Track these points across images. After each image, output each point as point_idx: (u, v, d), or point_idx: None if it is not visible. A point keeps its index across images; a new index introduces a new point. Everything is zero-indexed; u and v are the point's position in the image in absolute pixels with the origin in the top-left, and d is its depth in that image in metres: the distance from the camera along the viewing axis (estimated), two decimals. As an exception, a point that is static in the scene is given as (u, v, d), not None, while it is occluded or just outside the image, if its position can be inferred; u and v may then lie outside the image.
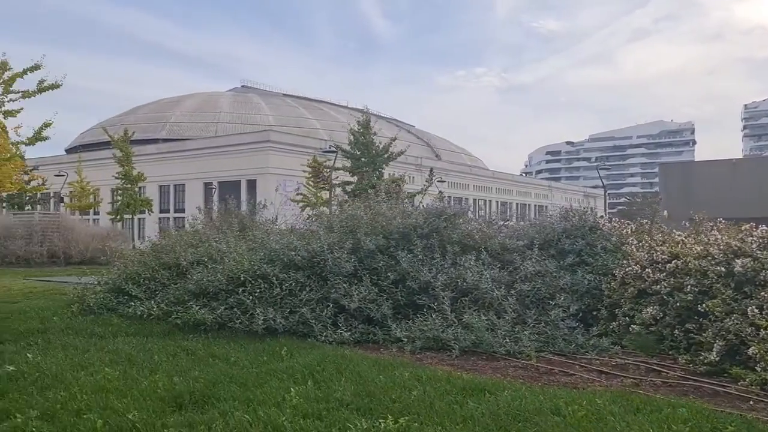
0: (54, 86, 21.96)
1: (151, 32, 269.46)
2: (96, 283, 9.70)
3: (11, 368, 5.59)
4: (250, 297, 7.54)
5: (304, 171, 37.92)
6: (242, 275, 7.85)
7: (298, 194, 37.93)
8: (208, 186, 54.62)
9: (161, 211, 56.42)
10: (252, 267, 7.99)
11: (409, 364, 5.98)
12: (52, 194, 48.69)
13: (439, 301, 7.44)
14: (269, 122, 69.64)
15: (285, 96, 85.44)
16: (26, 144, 22.34)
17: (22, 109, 22.04)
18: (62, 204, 45.90)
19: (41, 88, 21.83)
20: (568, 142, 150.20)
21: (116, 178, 35.51)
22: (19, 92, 21.89)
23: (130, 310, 8.15)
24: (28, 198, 40.49)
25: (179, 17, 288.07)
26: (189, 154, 56.84)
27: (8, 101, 21.74)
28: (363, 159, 28.89)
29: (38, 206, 43.98)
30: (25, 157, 23.76)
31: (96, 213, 53.71)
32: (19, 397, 4.81)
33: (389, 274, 7.91)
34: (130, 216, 36.45)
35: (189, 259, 8.89)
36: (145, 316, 7.99)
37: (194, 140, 60.57)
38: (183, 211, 57.05)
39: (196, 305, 7.62)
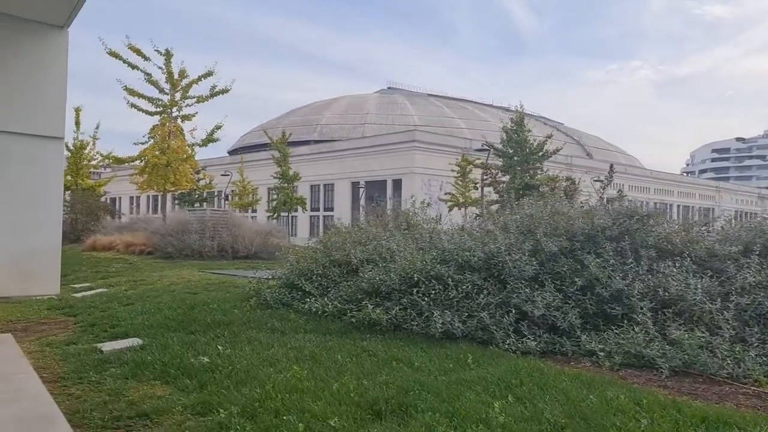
0: (224, 91, 23.54)
1: (304, 40, 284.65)
2: (269, 277, 9.95)
3: (206, 360, 5.71)
4: (425, 298, 7.21)
5: (452, 170, 37.59)
6: (415, 275, 7.56)
7: (446, 193, 37.66)
8: (355, 185, 56.20)
9: (312, 210, 59.05)
10: (425, 267, 7.67)
11: (614, 383, 5.28)
12: (215, 192, 52.84)
13: (635, 311, 6.61)
14: (414, 122, 70.30)
15: (429, 96, 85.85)
16: (200, 145, 24.24)
17: (196, 113, 23.93)
18: (226, 202, 49.60)
19: (213, 93, 23.50)
20: (738, 139, 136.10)
21: (274, 177, 37.48)
22: (194, 97, 23.78)
23: (305, 306, 8.19)
24: (196, 196, 44.16)
25: (329, 25, 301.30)
26: (338, 154, 58.84)
27: (185, 106, 23.71)
28: (515, 157, 27.89)
29: (205, 204, 47.92)
30: (196, 158, 25.71)
31: (254, 210, 57.49)
32: (217, 390, 4.83)
33: (575, 279, 7.19)
34: (286, 213, 38.30)
35: (359, 257, 8.78)
36: (319, 312, 7.98)
37: (343, 141, 62.63)
38: (332, 209, 59.32)
39: (370, 304, 7.44)
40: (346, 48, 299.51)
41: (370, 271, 8.14)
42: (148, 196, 72.21)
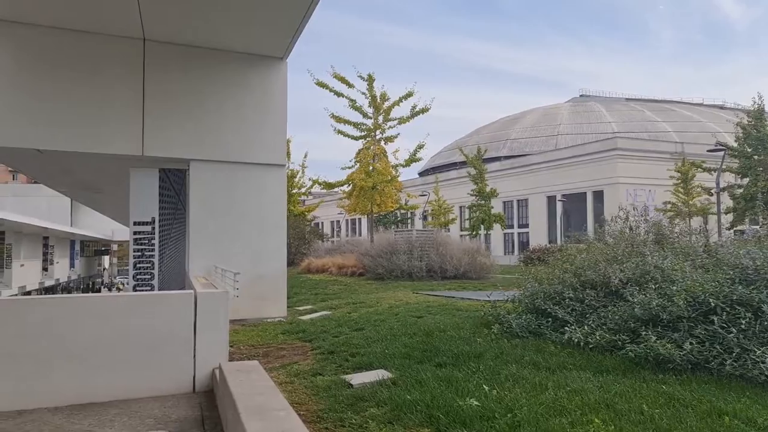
0: (424, 110, 23.36)
1: (483, 57, 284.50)
2: (506, 300, 8.95)
3: (475, 403, 4.82)
4: (732, 330, 5.65)
5: (670, 176, 33.72)
6: (711, 300, 6.01)
7: (665, 203, 33.88)
8: (551, 200, 53.47)
9: (501, 227, 57.39)
10: (720, 289, 6.09)
11: None
12: (408, 214, 53.66)
13: None
14: (612, 129, 65.52)
15: (627, 100, 79.76)
16: (403, 166, 24.30)
17: (398, 134, 24.06)
18: (424, 222, 50.08)
19: (414, 113, 23.44)
20: None
21: (470, 195, 36.76)
22: (396, 119, 23.95)
23: (563, 336, 7.03)
24: (393, 217, 45.11)
25: (510, 41, 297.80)
26: (530, 168, 56.64)
27: (388, 128, 23.96)
28: (756, 156, 23.95)
29: (400, 224, 48.78)
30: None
31: (447, 229, 57.45)
32: (506, 447, 3.90)
33: None
34: (484, 231, 37.30)
35: (619, 277, 7.40)
36: (581, 344, 6.76)
37: (535, 155, 60.26)
38: (526, 225, 57.10)
39: (653, 335, 6.05)
40: (529, 61, 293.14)
41: (640, 294, 6.74)
42: (347, 220, 76.13)
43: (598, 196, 48.92)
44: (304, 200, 51.47)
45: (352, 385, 5.89)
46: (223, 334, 7.13)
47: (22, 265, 39.60)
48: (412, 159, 24.30)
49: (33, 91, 11.48)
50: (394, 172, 24.07)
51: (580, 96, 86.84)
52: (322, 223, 79.75)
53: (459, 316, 10.29)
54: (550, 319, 7.61)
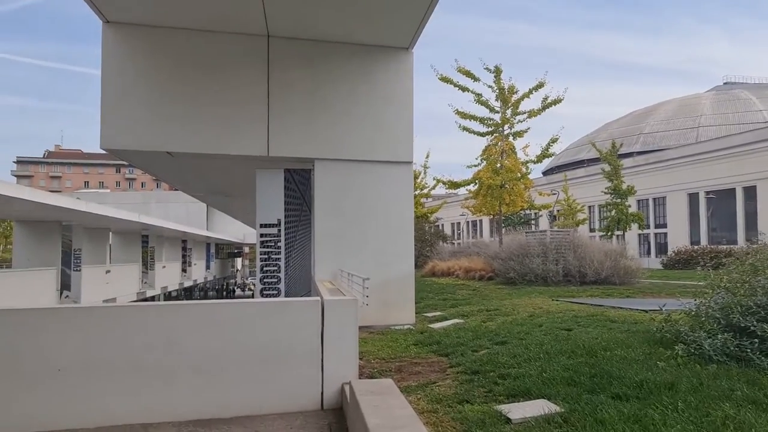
0: (556, 101, 21.65)
1: (609, 50, 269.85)
2: (680, 311, 7.41)
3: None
4: None
5: None
6: None
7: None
8: (693, 197, 48.74)
9: (639, 227, 53.12)
10: None
11: None
12: (533, 214, 51.17)
13: None
14: (764, 118, 58.80)
15: (781, 85, 71.46)
16: (534, 162, 22.71)
17: (528, 129, 22.51)
18: (552, 222, 47.54)
19: (545, 105, 21.80)
20: None
21: (605, 192, 34.09)
22: (525, 113, 22.42)
23: (780, 363, 5.49)
24: (518, 218, 43.10)
25: (637, 32, 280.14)
26: (668, 164, 52.00)
27: (517, 122, 22.49)
28: None
29: (526, 225, 46.58)
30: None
31: (575, 231, 54.15)
32: None
33: None
34: (621, 232, 34.45)
35: None
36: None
37: (673, 149, 55.35)
38: (664, 225, 52.54)
39: None
40: (659, 52, 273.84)
41: None
42: (468, 222, 74.55)
43: (750, 192, 43.85)
44: (426, 202, 50.78)
45: (510, 419, 4.80)
46: (352, 345, 6.39)
47: (164, 267, 42.25)
48: (545, 154, 22.62)
49: (165, 94, 11.51)
50: (524, 169, 22.57)
51: (725, 84, 79.08)
52: (443, 224, 78.81)
53: (618, 329, 8.83)
54: (756, 340, 6.02)
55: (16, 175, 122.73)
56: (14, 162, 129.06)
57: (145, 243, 37.87)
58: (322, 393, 6.18)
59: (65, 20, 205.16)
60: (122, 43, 11.34)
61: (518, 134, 22.38)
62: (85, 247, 27.92)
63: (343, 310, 6.43)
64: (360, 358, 7.45)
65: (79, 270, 25.99)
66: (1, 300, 20.02)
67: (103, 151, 11.76)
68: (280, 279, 12.39)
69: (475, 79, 21.78)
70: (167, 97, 11.53)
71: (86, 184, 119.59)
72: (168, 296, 46.83)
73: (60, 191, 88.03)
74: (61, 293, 25.19)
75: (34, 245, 25.42)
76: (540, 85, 21.77)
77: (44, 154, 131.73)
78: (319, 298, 6.64)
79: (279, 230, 12.38)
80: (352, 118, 12.24)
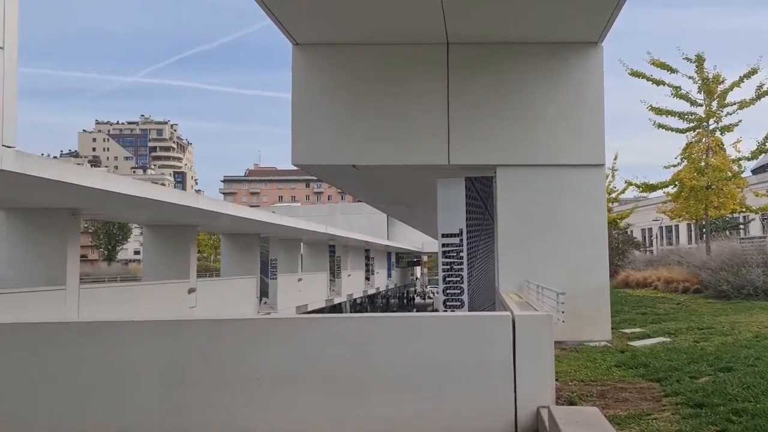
0: (775, 88, 18.78)
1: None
2: None
3: None
4: None
5: None
6: None
7: None
8: None
9: None
10: None
11: None
12: (741, 217, 45.16)
13: None
14: None
15: None
16: (748, 159, 19.93)
17: (739, 121, 19.80)
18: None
19: (760, 94, 19.03)
20: None
21: None
22: (734, 104, 19.79)
23: None
24: (725, 222, 38.30)
25: None
26: None
27: (724, 115, 19.92)
28: None
29: (734, 231, 41.25)
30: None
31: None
32: None
33: None
34: None
35: None
36: None
37: None
38: None
39: None
40: None
41: None
42: (661, 227, 68.26)
43: None
44: (614, 206, 47.41)
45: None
46: (547, 366, 5.82)
47: (349, 275, 44.29)
48: (761, 149, 19.69)
49: (348, 109, 11.86)
50: (735, 168, 19.84)
51: None
52: (632, 231, 72.99)
53: None
54: None
55: (223, 193, 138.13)
56: (221, 181, 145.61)
57: (332, 252, 39.97)
58: (515, 416, 5.69)
59: (260, 51, 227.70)
60: (309, 63, 11.89)
61: (727, 128, 19.74)
62: (280, 256, 30.13)
63: (537, 327, 5.91)
64: (555, 379, 6.83)
65: (275, 278, 28.07)
66: (214, 303, 22.30)
67: (295, 167, 12.42)
68: (463, 290, 12.06)
69: (672, 71, 19.60)
70: (350, 111, 11.85)
71: (280, 199, 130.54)
72: (353, 303, 49.05)
73: (258, 206, 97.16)
74: (260, 299, 27.43)
75: (237, 256, 28.02)
76: (753, 72, 18.97)
77: (245, 173, 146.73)
78: (508, 312, 6.20)
79: (461, 240, 12.07)
80: (537, 121, 11.57)
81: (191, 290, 21.16)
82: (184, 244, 22.10)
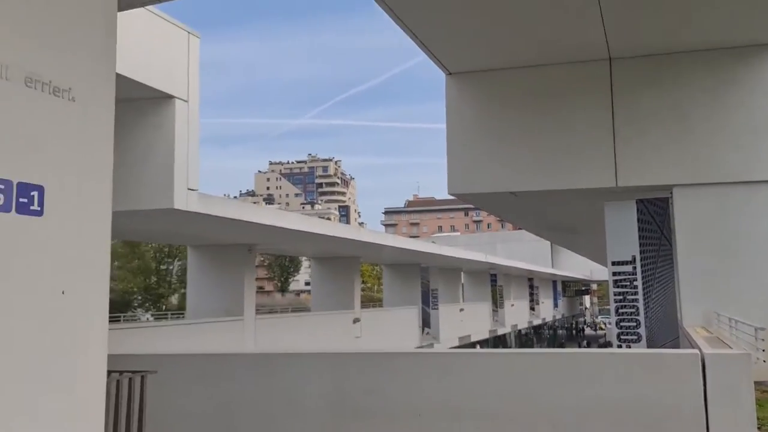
0: None
1: None
2: None
3: None
4: None
5: None
6: None
7: None
8: None
9: None
10: None
11: None
12: None
13: None
14: None
15: None
16: None
17: None
18: None
19: None
20: None
21: None
22: None
23: None
24: None
25: None
26: None
27: None
28: None
29: None
30: None
31: None
32: None
33: None
34: None
35: None
36: None
37: None
38: None
39: None
40: None
41: None
42: None
43: None
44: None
45: None
46: (746, 413, 5.06)
47: (512, 305, 43.14)
48: None
49: (504, 134, 11.59)
50: None
51: None
52: None
53: None
54: None
55: (384, 224, 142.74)
56: (382, 213, 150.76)
57: (494, 282, 39.25)
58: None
59: (416, 85, 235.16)
60: (462, 91, 11.86)
61: None
62: (441, 286, 30.17)
63: (732, 367, 5.20)
64: (758, 427, 5.90)
65: (437, 308, 28.10)
66: (378, 332, 22.81)
67: (452, 197, 12.37)
68: (639, 323, 11.06)
69: None
70: (506, 137, 11.57)
71: (439, 229, 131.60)
72: (518, 334, 47.54)
73: (418, 236, 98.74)
74: (422, 329, 27.57)
75: (398, 286, 28.54)
76: None
77: (405, 204, 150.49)
78: (696, 350, 5.50)
79: (634, 268, 11.12)
80: (716, 133, 10.42)
81: (356, 320, 21.85)
82: (349, 275, 22.97)
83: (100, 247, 3.18)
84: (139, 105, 9.92)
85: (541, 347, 55.36)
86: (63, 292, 2.91)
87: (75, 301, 3.00)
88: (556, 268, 58.19)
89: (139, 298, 52.38)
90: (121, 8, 3.66)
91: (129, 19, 7.95)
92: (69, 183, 3.00)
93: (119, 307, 43.03)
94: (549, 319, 59.15)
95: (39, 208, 2.79)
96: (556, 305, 62.42)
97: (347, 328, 21.31)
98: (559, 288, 65.13)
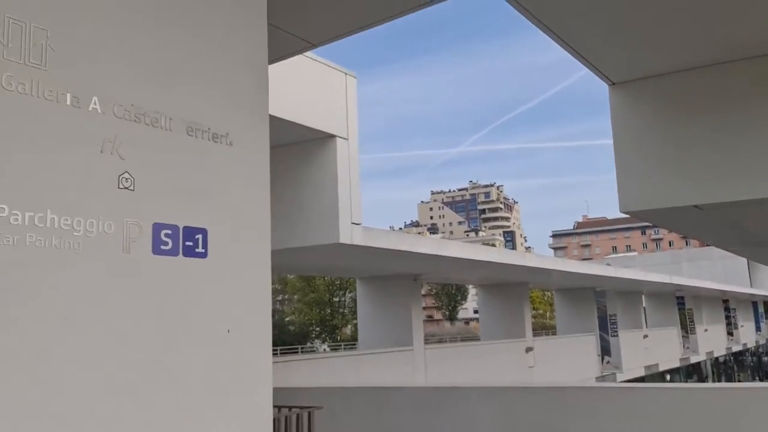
0: None
1: None
2: None
3: None
4: None
5: None
6: None
7: None
8: None
9: None
10: None
11: None
12: None
13: None
14: None
15: None
16: None
17: None
18: None
19: None
20: None
21: None
22: None
23: None
24: None
25: None
26: None
27: None
28: None
29: None
30: None
31: None
32: None
33: None
34: None
35: None
36: None
37: None
38: None
39: None
40: None
41: None
42: None
43: None
44: None
45: None
46: None
47: (705, 330, 38.88)
48: None
49: (679, 142, 10.48)
50: None
51: None
52: None
53: None
54: None
55: (552, 248, 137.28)
56: (550, 236, 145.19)
57: (681, 305, 35.66)
58: None
59: (577, 101, 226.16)
60: (628, 101, 10.97)
61: None
62: (620, 311, 28.05)
63: None
64: None
65: (616, 335, 26.11)
66: (552, 361, 21.67)
67: (625, 215, 11.42)
68: None
69: None
70: (682, 145, 10.43)
71: (614, 249, 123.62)
72: (715, 362, 42.63)
73: (590, 259, 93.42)
74: (602, 358, 25.72)
75: (572, 311, 27.01)
76: None
77: (574, 226, 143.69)
78: None
79: None
80: None
81: (529, 349, 20.96)
82: (517, 302, 22.19)
83: (261, 285, 3.26)
84: (304, 146, 10.50)
85: (742, 377, 49.27)
86: (228, 331, 3.00)
87: (240, 339, 3.08)
88: (757, 287, 51.46)
89: (317, 329, 55.31)
90: (271, 61, 3.80)
91: (289, 66, 8.47)
92: (230, 224, 3.13)
93: (299, 339, 45.77)
94: (751, 344, 52.36)
95: (203, 250, 2.92)
96: (758, 329, 55.15)
97: (520, 357, 20.50)
98: (761, 309, 57.49)
